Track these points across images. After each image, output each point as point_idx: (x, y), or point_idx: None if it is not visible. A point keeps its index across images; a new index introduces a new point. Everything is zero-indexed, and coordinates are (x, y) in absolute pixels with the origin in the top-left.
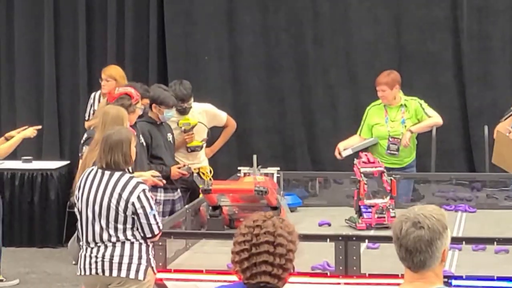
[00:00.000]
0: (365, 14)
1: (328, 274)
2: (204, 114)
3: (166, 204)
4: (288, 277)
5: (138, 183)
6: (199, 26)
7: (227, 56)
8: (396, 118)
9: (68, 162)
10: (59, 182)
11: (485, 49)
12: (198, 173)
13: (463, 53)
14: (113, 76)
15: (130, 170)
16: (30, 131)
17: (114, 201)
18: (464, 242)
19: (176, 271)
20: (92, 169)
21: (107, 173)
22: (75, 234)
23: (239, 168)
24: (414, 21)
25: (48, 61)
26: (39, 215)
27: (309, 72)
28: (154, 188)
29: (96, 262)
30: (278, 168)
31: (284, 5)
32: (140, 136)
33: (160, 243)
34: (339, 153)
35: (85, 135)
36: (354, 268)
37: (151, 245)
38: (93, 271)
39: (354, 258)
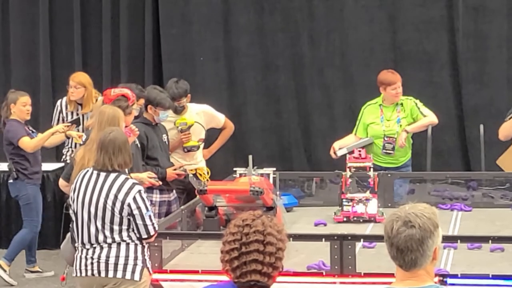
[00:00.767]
0: (360, 14)
1: (324, 273)
2: (202, 115)
3: (162, 205)
4: (277, 276)
5: (133, 184)
6: (195, 27)
7: (223, 56)
8: (391, 117)
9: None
10: (56, 184)
11: (480, 48)
12: (195, 174)
13: (458, 52)
14: (82, 83)
15: (127, 171)
16: (60, 127)
17: (109, 202)
18: (459, 241)
19: (172, 271)
20: (88, 170)
21: (102, 174)
22: (68, 236)
23: (234, 169)
24: (409, 21)
25: (44, 62)
26: None
27: (305, 72)
28: (149, 189)
29: (92, 264)
30: (274, 169)
31: (279, 5)
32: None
33: (156, 244)
34: (334, 153)
35: (84, 136)
36: (350, 267)
37: (146, 246)
38: (89, 272)
39: (350, 257)
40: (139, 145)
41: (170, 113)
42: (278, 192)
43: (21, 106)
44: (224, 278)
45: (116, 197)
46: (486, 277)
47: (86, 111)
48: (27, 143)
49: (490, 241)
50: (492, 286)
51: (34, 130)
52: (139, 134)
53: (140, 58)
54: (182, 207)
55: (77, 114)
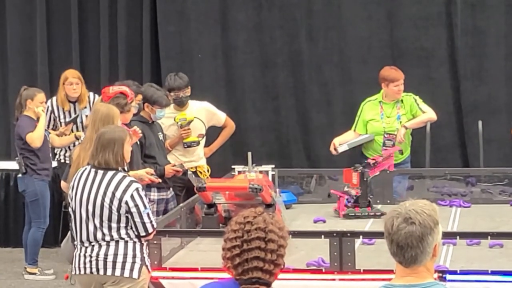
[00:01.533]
0: (358, 10)
1: (323, 270)
2: (203, 112)
3: (160, 203)
4: (278, 273)
5: (131, 182)
6: (192, 24)
7: (221, 54)
8: (391, 114)
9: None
10: (54, 182)
11: (479, 44)
12: (194, 172)
13: (457, 48)
14: (81, 78)
15: (126, 169)
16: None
17: (107, 200)
18: (458, 237)
19: (171, 269)
20: (85, 168)
21: (100, 172)
22: (68, 234)
23: (233, 166)
24: (407, 17)
25: (41, 60)
26: None
27: (303, 69)
28: (147, 187)
29: (90, 261)
30: (273, 166)
31: (277, 2)
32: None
33: (155, 242)
34: (335, 149)
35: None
36: (349, 264)
37: (145, 244)
38: (88, 270)
39: (349, 254)
40: (138, 143)
41: (170, 109)
42: (277, 189)
43: (38, 103)
44: (225, 275)
45: (113, 194)
46: (485, 273)
47: (83, 106)
48: (31, 137)
49: (489, 237)
50: (491, 282)
51: (45, 129)
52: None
53: (138, 55)
54: (181, 204)
55: (75, 113)
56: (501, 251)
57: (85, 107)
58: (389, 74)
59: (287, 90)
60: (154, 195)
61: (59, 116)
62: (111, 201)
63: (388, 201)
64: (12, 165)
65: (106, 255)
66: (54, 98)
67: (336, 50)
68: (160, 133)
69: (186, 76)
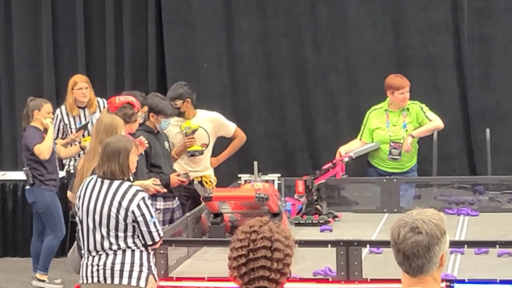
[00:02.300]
0: (364, 18)
1: (330, 279)
2: (210, 122)
3: (166, 213)
4: (285, 282)
5: (137, 191)
6: (198, 33)
7: (226, 62)
8: (397, 123)
9: None
10: (61, 192)
11: (486, 51)
12: (200, 182)
13: (463, 55)
14: (89, 82)
15: (131, 179)
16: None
17: (114, 209)
18: (466, 246)
19: (178, 279)
20: (92, 178)
21: (106, 181)
22: (74, 245)
23: (239, 175)
24: (413, 24)
25: (47, 70)
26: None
27: (309, 78)
28: (153, 196)
29: (98, 270)
30: (279, 175)
31: (282, 10)
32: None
33: (161, 251)
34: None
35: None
36: (356, 273)
37: (152, 253)
38: (95, 279)
39: (356, 263)
40: (143, 153)
41: (177, 118)
42: (283, 198)
43: (46, 113)
44: (231, 284)
45: (120, 204)
46: (493, 282)
47: (93, 111)
48: (40, 149)
49: (497, 245)
50: None
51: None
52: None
53: (144, 64)
54: (188, 214)
55: (85, 119)
56: (509, 260)
57: (95, 112)
58: (394, 82)
59: (293, 98)
60: (160, 204)
61: (69, 123)
62: (118, 211)
63: (395, 210)
64: (20, 175)
65: (113, 264)
66: (62, 106)
67: (342, 58)
68: (166, 142)
69: (181, 88)
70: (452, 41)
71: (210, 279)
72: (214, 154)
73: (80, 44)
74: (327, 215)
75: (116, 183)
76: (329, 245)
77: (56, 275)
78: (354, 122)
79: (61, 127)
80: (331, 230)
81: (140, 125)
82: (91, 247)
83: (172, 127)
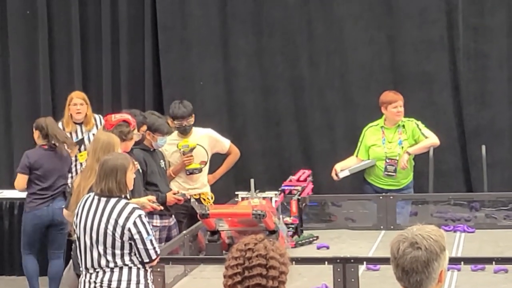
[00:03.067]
0: (359, 35)
1: None
2: (206, 139)
3: (162, 231)
4: None
5: (134, 209)
6: (194, 50)
7: (223, 79)
8: (393, 139)
9: None
10: None
11: (481, 68)
12: (198, 199)
13: (459, 72)
14: (86, 99)
15: (128, 197)
16: None
17: (110, 227)
18: (463, 262)
19: None
20: (89, 196)
21: (103, 199)
22: (70, 263)
23: (236, 192)
24: (409, 41)
25: (44, 88)
26: None
27: (305, 95)
28: (150, 214)
29: None
30: (276, 192)
31: (278, 27)
32: (136, 163)
33: (158, 269)
34: (336, 174)
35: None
36: None
37: (149, 270)
38: None
39: (353, 280)
40: (140, 170)
41: (173, 136)
42: (280, 216)
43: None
44: None
45: (116, 222)
46: None
47: (90, 128)
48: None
49: (493, 262)
50: None
51: None
52: (138, 160)
53: (140, 82)
54: (184, 231)
55: (82, 134)
56: (506, 277)
57: (91, 129)
58: (387, 97)
59: (289, 115)
60: (157, 222)
61: None
62: (114, 228)
63: (392, 227)
64: (16, 193)
65: (110, 281)
66: (60, 122)
67: (338, 75)
68: (161, 160)
69: (190, 105)
70: (448, 58)
71: None
72: (209, 170)
73: (77, 62)
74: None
75: (112, 200)
76: (326, 262)
77: None
78: (351, 139)
79: None
80: (328, 247)
81: (138, 143)
82: (89, 265)
83: (169, 146)
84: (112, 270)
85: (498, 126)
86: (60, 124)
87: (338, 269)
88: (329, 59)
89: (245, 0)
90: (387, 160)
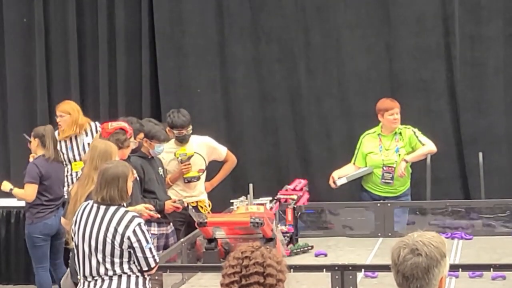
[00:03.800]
0: (357, 43)
1: None
2: (204, 147)
3: (160, 238)
4: None
5: (133, 217)
6: (191, 59)
7: (220, 88)
8: (390, 147)
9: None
10: None
11: (478, 75)
12: (195, 207)
13: (456, 80)
14: (67, 111)
15: (125, 205)
16: None
17: (110, 235)
18: (461, 269)
19: None
20: (88, 203)
21: (102, 207)
22: (67, 271)
23: (231, 200)
24: (406, 49)
25: (41, 97)
26: None
27: (302, 103)
28: (147, 222)
29: None
30: (271, 198)
31: (275, 35)
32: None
33: (156, 277)
34: (334, 182)
35: (80, 172)
36: None
37: (148, 278)
38: None
39: (351, 287)
40: (137, 178)
41: (171, 144)
42: (278, 224)
43: None
44: None
45: (116, 230)
46: None
47: (63, 136)
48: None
49: (491, 269)
50: None
51: None
52: (136, 168)
53: (138, 91)
54: (182, 239)
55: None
56: (504, 283)
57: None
58: (383, 104)
59: (286, 123)
60: (155, 230)
61: (61, 147)
62: (114, 236)
63: (390, 234)
64: (13, 202)
65: None
66: (56, 131)
67: (335, 83)
68: (160, 168)
69: (188, 114)
70: (445, 66)
71: None
72: (206, 178)
73: (74, 71)
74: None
75: (112, 208)
76: (324, 270)
77: None
78: (348, 146)
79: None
80: (325, 255)
81: (135, 151)
82: (87, 273)
83: (166, 154)
84: (111, 278)
85: (494, 133)
86: (56, 133)
87: (336, 277)
88: (326, 67)
89: (242, 9)
90: (384, 168)
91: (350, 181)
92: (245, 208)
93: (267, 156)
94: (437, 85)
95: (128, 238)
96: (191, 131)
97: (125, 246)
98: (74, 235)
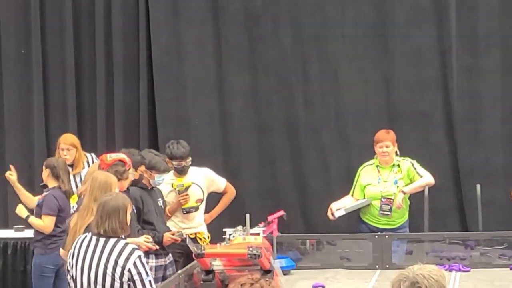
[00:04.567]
0: (354, 74)
1: None
2: (202, 178)
3: (158, 270)
4: None
5: (133, 250)
6: (189, 90)
7: (218, 119)
8: (388, 179)
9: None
10: None
11: (475, 107)
12: (194, 238)
13: (453, 112)
14: (74, 144)
15: (124, 237)
16: None
17: (110, 267)
18: None
19: None
20: (86, 236)
21: (102, 239)
22: None
23: (224, 229)
24: (404, 81)
25: (38, 128)
26: (32, 284)
27: (300, 134)
28: (145, 253)
29: None
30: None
31: (273, 67)
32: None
33: None
34: (332, 214)
35: (75, 206)
36: None
37: None
38: None
39: None
40: (134, 210)
41: (169, 176)
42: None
43: None
44: None
45: (116, 262)
46: None
47: (77, 171)
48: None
49: None
50: None
51: None
52: (135, 199)
53: (135, 122)
54: (179, 271)
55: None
56: None
57: (79, 172)
58: (377, 135)
59: (284, 155)
60: (152, 262)
61: None
62: (114, 269)
63: (387, 266)
64: (10, 233)
65: None
66: None
67: (333, 114)
68: (159, 199)
69: (188, 145)
70: (442, 98)
71: None
72: (206, 210)
73: (71, 102)
74: None
75: (112, 241)
76: None
77: None
78: (346, 178)
79: None
80: (323, 287)
81: (137, 183)
82: None
83: (164, 186)
84: None
85: (492, 165)
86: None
87: None
88: (324, 99)
89: (240, 40)
90: (383, 199)
91: (348, 213)
92: (243, 238)
93: (264, 187)
94: (434, 117)
95: (129, 270)
96: (190, 163)
97: (125, 278)
98: (72, 268)
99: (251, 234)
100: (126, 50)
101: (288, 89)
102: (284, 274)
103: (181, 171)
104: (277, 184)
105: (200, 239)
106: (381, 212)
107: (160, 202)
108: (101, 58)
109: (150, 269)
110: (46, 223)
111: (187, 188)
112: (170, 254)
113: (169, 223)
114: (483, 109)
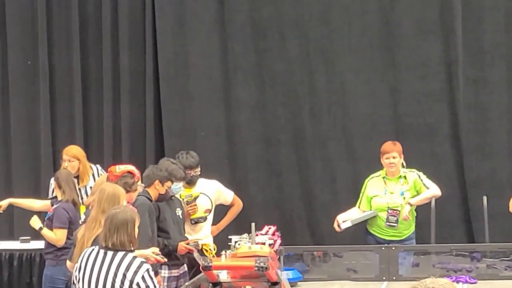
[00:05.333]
0: (361, 86)
1: None
2: (211, 189)
3: (171, 281)
4: None
5: (142, 263)
6: (195, 102)
7: (224, 131)
8: (395, 190)
9: None
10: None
11: (481, 119)
12: (200, 250)
13: (460, 124)
14: (76, 156)
15: (132, 249)
16: None
17: (118, 281)
18: None
19: None
20: (93, 249)
21: (110, 253)
22: None
23: (229, 236)
24: (410, 93)
25: (45, 139)
26: None
27: (307, 146)
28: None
29: None
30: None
31: (280, 79)
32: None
33: None
34: (338, 225)
35: (83, 216)
36: None
37: None
38: None
39: None
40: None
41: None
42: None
43: None
44: None
45: (124, 276)
46: None
47: (84, 184)
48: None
49: None
50: None
51: None
52: (150, 206)
53: (142, 133)
54: (187, 283)
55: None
56: None
57: (85, 186)
58: (383, 147)
59: (291, 167)
60: (165, 272)
61: None
62: (122, 282)
63: (394, 278)
64: (16, 245)
65: None
66: None
67: (340, 126)
68: (178, 208)
69: (197, 155)
70: (449, 110)
71: None
72: (213, 222)
73: (78, 113)
74: None
75: (120, 254)
76: None
77: None
78: (352, 190)
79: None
80: None
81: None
82: None
83: None
84: None
85: (498, 177)
86: None
87: None
88: (331, 110)
89: (247, 52)
90: (389, 211)
91: (354, 225)
92: (248, 247)
93: (271, 199)
94: (441, 129)
95: (137, 284)
96: (199, 173)
97: None
98: (78, 281)
99: (257, 243)
100: (132, 62)
101: (295, 100)
102: (291, 286)
103: (189, 181)
104: (283, 196)
105: (206, 250)
106: (388, 223)
107: (179, 212)
108: (108, 70)
109: (162, 280)
110: (58, 236)
111: (195, 198)
112: (184, 264)
113: None
114: (490, 121)
